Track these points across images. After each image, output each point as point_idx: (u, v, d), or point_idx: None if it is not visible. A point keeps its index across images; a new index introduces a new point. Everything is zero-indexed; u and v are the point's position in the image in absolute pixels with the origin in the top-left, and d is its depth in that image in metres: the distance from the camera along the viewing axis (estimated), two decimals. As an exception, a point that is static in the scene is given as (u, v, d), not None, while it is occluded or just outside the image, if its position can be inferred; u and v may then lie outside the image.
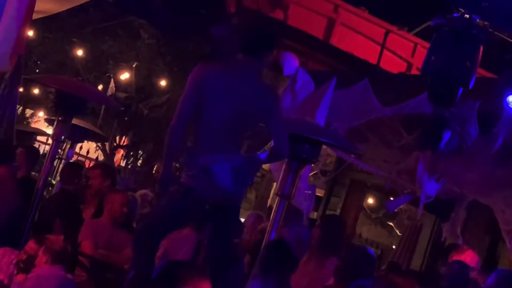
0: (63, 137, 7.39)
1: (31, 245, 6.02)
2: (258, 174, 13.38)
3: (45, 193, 9.27)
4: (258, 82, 5.06)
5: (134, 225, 7.48)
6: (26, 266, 5.93)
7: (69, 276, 5.99)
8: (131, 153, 19.78)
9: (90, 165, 14.28)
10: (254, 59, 5.05)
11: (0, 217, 6.70)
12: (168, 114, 16.71)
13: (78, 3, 10.75)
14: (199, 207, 4.96)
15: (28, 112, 20.99)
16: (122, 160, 20.29)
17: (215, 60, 5.41)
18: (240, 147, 5.09)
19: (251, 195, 16.72)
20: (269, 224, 6.25)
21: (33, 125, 20.02)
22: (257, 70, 5.11)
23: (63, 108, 7.23)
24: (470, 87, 6.47)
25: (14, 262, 6.06)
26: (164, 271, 4.68)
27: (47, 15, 11.14)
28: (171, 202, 4.98)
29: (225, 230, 5.03)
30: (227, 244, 5.04)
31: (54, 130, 7.36)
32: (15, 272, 6.01)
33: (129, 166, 19.48)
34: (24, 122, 19.98)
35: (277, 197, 6.32)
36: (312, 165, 9.30)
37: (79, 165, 9.64)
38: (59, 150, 12.96)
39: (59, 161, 11.66)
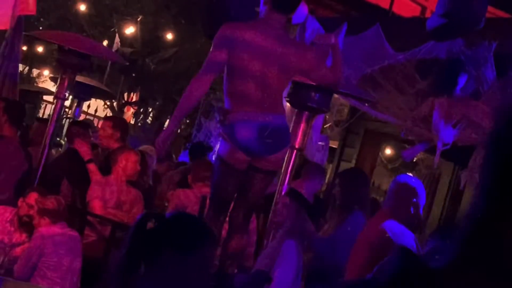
0: (68, 95, 7.40)
1: (33, 197, 6.03)
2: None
3: (54, 152, 9.33)
4: (293, 40, 5.22)
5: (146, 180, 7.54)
6: (27, 221, 5.96)
7: (75, 233, 6.03)
8: (141, 110, 19.79)
9: (99, 124, 14.31)
10: (284, 16, 5.16)
11: (8, 179, 6.73)
12: (176, 68, 16.69)
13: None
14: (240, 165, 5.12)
15: (35, 71, 20.97)
16: (132, 118, 20.32)
17: (242, 21, 5.46)
18: (278, 105, 5.14)
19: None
20: (280, 177, 6.26)
21: (40, 85, 20.03)
22: (285, 25, 5.21)
23: (65, 64, 7.23)
24: (480, 27, 6.40)
25: (8, 219, 6.09)
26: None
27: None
28: (218, 175, 5.21)
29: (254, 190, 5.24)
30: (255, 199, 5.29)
31: (57, 88, 7.38)
32: (13, 229, 6.04)
33: (139, 124, 19.51)
34: (32, 82, 20.01)
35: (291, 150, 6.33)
36: (326, 116, 9.29)
37: (85, 123, 9.63)
38: (67, 109, 13.04)
39: (67, 120, 11.70)
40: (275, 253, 5.45)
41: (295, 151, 6.29)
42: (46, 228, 5.85)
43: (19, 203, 6.07)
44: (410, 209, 5.28)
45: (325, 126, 9.93)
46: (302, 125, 6.29)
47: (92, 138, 8.02)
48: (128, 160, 6.95)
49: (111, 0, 17.33)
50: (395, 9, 9.90)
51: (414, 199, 5.36)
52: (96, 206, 6.75)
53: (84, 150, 7.12)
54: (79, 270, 5.98)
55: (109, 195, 6.81)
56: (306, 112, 6.34)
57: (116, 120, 8.17)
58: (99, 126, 9.32)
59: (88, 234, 6.68)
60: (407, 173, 14.67)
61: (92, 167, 7.02)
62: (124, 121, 9.22)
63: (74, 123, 8.88)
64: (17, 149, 6.92)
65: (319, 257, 5.79)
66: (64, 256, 5.82)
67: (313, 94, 6.22)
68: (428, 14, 10.28)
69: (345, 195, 6.09)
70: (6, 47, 7.76)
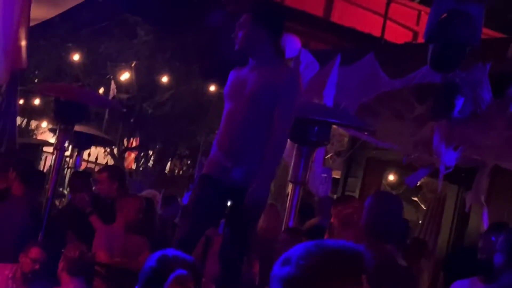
0: (68, 145, 7.41)
1: (35, 252, 6.01)
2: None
3: (57, 203, 9.33)
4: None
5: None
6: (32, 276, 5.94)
7: None
8: (141, 154, 19.80)
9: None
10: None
11: (12, 238, 6.70)
12: (173, 110, 16.72)
13: (68, 7, 10.75)
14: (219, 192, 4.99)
15: (33, 123, 21.01)
16: (134, 163, 20.32)
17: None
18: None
19: (272, 185, 16.70)
20: (286, 213, 6.26)
21: (39, 137, 20.05)
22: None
23: (63, 116, 7.27)
24: (477, 47, 6.42)
25: (10, 276, 6.06)
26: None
27: (38, 22, 11.15)
28: (195, 193, 5.15)
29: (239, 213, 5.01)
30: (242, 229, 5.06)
31: (56, 139, 7.40)
32: (15, 286, 6.01)
33: (141, 168, 19.50)
34: (31, 134, 20.04)
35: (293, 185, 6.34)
36: (327, 147, 9.29)
37: (86, 172, 9.64)
38: (67, 159, 13.05)
39: (69, 170, 11.70)
40: None
41: (298, 185, 6.30)
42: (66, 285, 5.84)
43: (21, 259, 6.04)
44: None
45: (326, 157, 9.93)
46: (303, 159, 6.30)
47: (94, 188, 8.02)
48: (131, 207, 6.95)
49: (104, 48, 17.41)
50: (387, 36, 9.97)
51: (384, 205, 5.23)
52: (102, 256, 6.73)
53: (83, 203, 7.12)
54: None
55: (115, 244, 6.78)
56: (306, 146, 6.36)
57: (111, 170, 8.15)
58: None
59: (97, 285, 6.65)
60: (414, 198, 14.64)
61: (93, 219, 7.03)
62: (119, 169, 9.21)
63: (76, 174, 8.89)
64: (24, 209, 6.89)
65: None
66: None
67: (312, 127, 6.24)
68: (420, 39, 10.33)
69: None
70: (3, 103, 7.79)
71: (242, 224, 4.99)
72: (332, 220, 6.11)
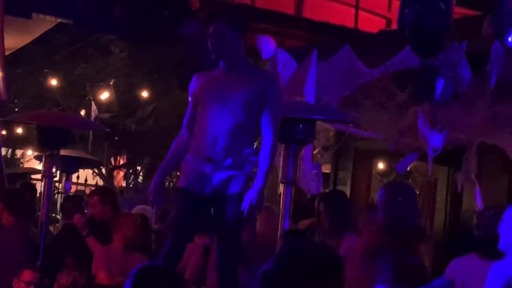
0: (56, 170, 7.38)
1: (27, 274, 5.99)
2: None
3: (52, 229, 9.31)
4: None
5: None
6: None
7: None
8: (130, 171, 19.77)
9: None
10: None
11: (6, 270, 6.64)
12: (157, 124, 16.68)
13: (40, 32, 10.74)
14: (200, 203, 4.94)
15: (18, 152, 20.94)
16: (123, 181, 20.29)
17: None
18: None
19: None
20: (280, 214, 6.26)
21: (26, 165, 19.97)
22: None
23: (47, 142, 7.24)
24: (449, 30, 6.44)
25: None
26: None
27: (12, 51, 11.14)
28: (178, 208, 5.03)
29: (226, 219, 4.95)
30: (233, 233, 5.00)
31: (43, 166, 7.37)
32: None
33: (131, 185, 19.47)
34: (17, 164, 19.96)
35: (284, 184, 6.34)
36: (314, 143, 9.31)
37: (77, 196, 9.64)
38: (57, 184, 13.02)
39: (59, 195, 11.67)
40: None
41: (289, 185, 6.30)
42: None
43: (15, 285, 6.01)
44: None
45: (314, 152, 9.93)
46: (291, 159, 6.30)
47: (86, 211, 8.02)
48: (126, 226, 6.94)
49: (81, 69, 17.39)
50: (361, 26, 9.99)
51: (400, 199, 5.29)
52: (103, 277, 6.72)
53: (80, 223, 7.13)
54: None
55: (114, 264, 6.78)
56: (293, 145, 6.36)
57: (101, 192, 8.12)
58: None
59: (99, 307, 6.65)
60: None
61: (90, 241, 7.03)
62: (108, 189, 9.20)
63: (67, 198, 8.88)
64: (17, 239, 6.86)
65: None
66: None
67: (297, 126, 6.24)
68: (394, 25, 10.36)
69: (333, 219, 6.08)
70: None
71: (231, 231, 4.94)
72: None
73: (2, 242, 6.79)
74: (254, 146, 5.11)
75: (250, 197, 4.79)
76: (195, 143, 4.95)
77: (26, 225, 7.35)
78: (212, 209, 5.01)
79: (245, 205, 4.79)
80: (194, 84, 5.09)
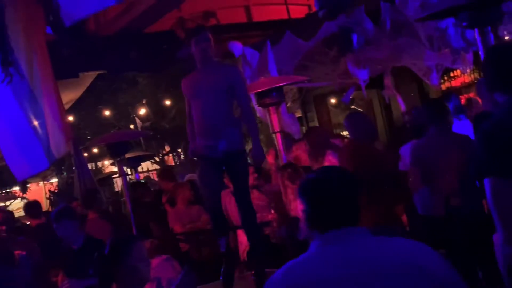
0: (126, 168, 7.34)
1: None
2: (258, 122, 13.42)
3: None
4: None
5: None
6: None
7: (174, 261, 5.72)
8: (174, 154, 19.76)
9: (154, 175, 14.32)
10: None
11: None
12: (180, 120, 16.64)
13: (87, 85, 10.68)
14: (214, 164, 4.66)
15: (99, 164, 20.97)
16: (173, 161, 20.31)
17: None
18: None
19: (262, 136, 16.73)
20: (278, 150, 6.28)
21: (106, 170, 19.99)
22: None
23: (115, 153, 7.19)
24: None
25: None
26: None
27: (73, 102, 11.07)
28: (201, 171, 4.79)
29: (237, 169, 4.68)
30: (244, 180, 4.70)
31: (118, 169, 7.36)
32: None
33: (178, 163, 19.47)
34: (101, 171, 19.98)
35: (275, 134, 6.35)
36: (285, 102, 9.28)
37: (144, 183, 9.67)
38: (129, 177, 13.05)
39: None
40: None
41: (278, 133, 6.31)
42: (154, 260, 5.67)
43: None
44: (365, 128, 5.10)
45: (287, 106, 9.92)
46: (273, 116, 6.30)
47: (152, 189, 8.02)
48: (183, 190, 6.97)
49: (122, 99, 17.29)
50: (292, 15, 9.88)
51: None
52: (178, 228, 6.77)
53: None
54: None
55: (182, 218, 6.82)
56: (272, 106, 6.36)
57: (162, 172, 8.00)
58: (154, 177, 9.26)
59: (182, 246, 6.70)
60: (351, 108, 14.67)
61: (166, 207, 7.06)
62: (166, 167, 9.14)
63: (136, 184, 8.89)
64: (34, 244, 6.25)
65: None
66: None
67: (271, 93, 6.24)
68: (313, 8, 10.25)
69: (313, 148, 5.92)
70: (76, 162, 7.73)
71: (242, 176, 4.66)
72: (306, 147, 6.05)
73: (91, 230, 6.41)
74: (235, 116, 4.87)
75: (256, 152, 4.70)
76: (197, 127, 4.69)
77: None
78: (222, 166, 4.69)
79: (255, 158, 4.71)
80: (183, 86, 4.83)
